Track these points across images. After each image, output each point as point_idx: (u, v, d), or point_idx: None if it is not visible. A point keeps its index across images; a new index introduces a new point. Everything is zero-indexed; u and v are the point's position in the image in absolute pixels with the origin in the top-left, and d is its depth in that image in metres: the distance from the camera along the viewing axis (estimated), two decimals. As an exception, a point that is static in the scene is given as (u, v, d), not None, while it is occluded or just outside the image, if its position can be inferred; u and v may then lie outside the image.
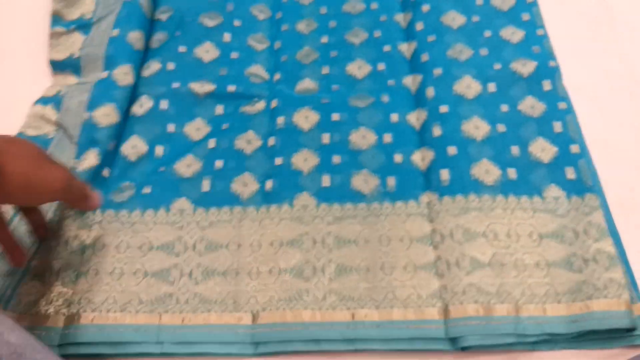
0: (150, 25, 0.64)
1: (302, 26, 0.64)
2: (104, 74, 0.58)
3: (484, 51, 0.58)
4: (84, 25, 0.63)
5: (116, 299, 0.45)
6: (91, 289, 0.46)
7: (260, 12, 0.65)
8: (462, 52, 0.58)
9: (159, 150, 0.55)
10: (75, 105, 0.57)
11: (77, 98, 0.57)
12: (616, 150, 0.53)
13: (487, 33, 0.60)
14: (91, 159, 0.52)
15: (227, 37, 0.63)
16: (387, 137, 0.54)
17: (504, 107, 0.54)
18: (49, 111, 0.57)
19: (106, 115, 0.54)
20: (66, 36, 0.63)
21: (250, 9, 0.65)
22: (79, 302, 0.45)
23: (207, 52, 0.61)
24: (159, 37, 0.63)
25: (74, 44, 0.62)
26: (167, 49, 0.62)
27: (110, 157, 0.54)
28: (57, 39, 0.63)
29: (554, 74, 0.55)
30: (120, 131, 0.55)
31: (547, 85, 0.54)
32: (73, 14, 0.64)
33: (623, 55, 0.60)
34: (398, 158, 0.53)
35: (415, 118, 0.55)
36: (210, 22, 0.64)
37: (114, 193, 0.52)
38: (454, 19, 0.61)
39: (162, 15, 0.65)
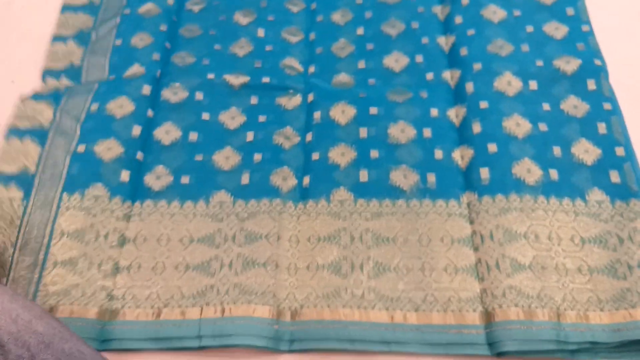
0: (173, 17, 0.63)
1: (337, 17, 0.63)
2: (112, 77, 0.58)
3: (525, 47, 0.57)
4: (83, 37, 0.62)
5: (159, 294, 0.45)
6: (134, 284, 0.46)
7: (294, 6, 0.64)
8: (502, 47, 0.57)
9: (193, 136, 0.55)
10: (80, 98, 0.56)
11: (83, 94, 0.57)
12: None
13: (529, 28, 0.58)
14: (114, 147, 0.52)
15: (260, 32, 0.62)
16: (427, 132, 0.53)
17: (546, 106, 0.53)
18: (44, 106, 0.56)
19: (120, 106, 0.55)
20: (65, 47, 0.62)
21: (284, 3, 0.64)
22: (123, 297, 0.45)
23: (241, 47, 0.61)
24: (190, 28, 0.62)
25: (73, 54, 0.61)
26: (202, 44, 0.61)
27: (142, 141, 0.54)
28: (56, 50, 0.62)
29: (599, 73, 0.54)
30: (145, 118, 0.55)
31: (591, 85, 0.53)
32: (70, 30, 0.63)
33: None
34: (438, 154, 0.52)
35: (454, 114, 0.54)
36: (244, 19, 0.63)
37: (150, 176, 0.52)
38: (495, 12, 0.60)
39: (195, 7, 0.64)
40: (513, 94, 0.54)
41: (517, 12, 0.60)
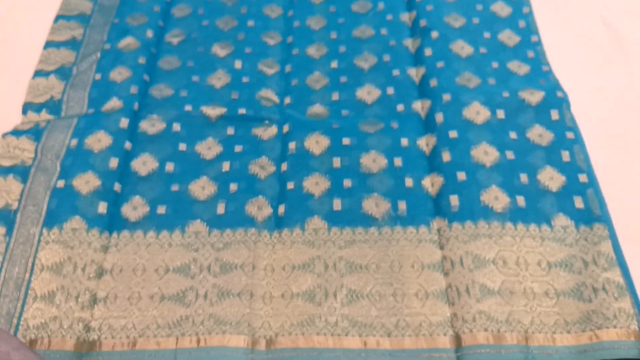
0: (152, 50, 0.65)
1: (312, 50, 0.65)
2: (90, 110, 0.59)
3: (491, 80, 0.59)
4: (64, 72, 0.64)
5: (135, 325, 0.46)
6: (111, 314, 0.46)
7: (271, 39, 0.66)
8: (470, 80, 0.59)
9: (170, 166, 0.56)
10: (60, 134, 0.57)
11: (62, 129, 0.57)
12: (625, 179, 0.53)
13: (495, 64, 0.61)
14: (91, 180, 0.53)
15: (238, 64, 0.64)
16: (398, 161, 0.55)
17: (513, 134, 0.55)
18: (25, 142, 0.57)
19: (98, 140, 0.56)
20: (46, 82, 0.63)
21: (261, 36, 0.66)
22: (99, 329, 0.46)
23: (219, 79, 0.62)
24: (169, 60, 0.64)
25: (53, 88, 0.62)
26: (180, 76, 0.63)
27: (119, 173, 0.54)
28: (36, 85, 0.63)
29: (561, 104, 0.56)
30: (123, 150, 0.56)
31: (554, 115, 0.55)
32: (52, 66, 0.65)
33: (633, 82, 0.61)
34: (409, 182, 0.53)
35: (425, 143, 0.56)
36: (221, 51, 0.65)
37: (127, 207, 0.53)
38: (463, 48, 0.62)
39: (174, 39, 0.66)
40: (481, 122, 0.56)
41: (483, 50, 0.62)
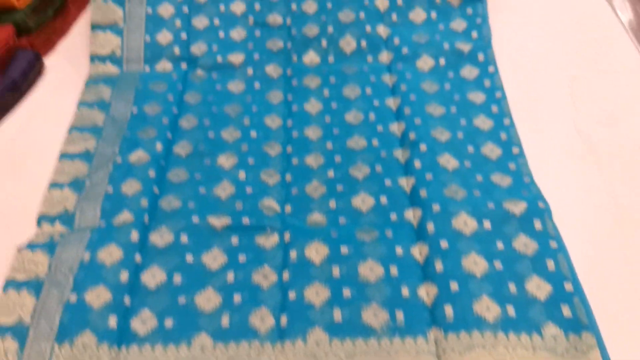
0: (161, 162, 0.69)
1: (310, 160, 0.70)
2: (102, 223, 0.62)
3: (477, 192, 0.64)
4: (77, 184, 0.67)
5: None
6: None
7: (272, 149, 0.71)
8: (457, 192, 0.63)
9: (177, 278, 0.58)
10: (73, 248, 0.60)
11: (75, 243, 0.60)
12: (608, 285, 0.56)
13: (479, 177, 0.65)
14: (103, 294, 0.55)
15: (242, 175, 0.68)
16: (393, 270, 0.58)
17: (500, 244, 0.58)
18: (40, 256, 0.59)
19: (110, 254, 0.59)
20: (60, 193, 0.66)
21: (263, 146, 0.71)
22: None
23: (224, 190, 0.66)
24: (178, 173, 0.68)
25: (67, 200, 0.66)
26: (188, 188, 0.67)
27: (129, 286, 0.57)
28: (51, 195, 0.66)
29: (543, 214, 0.60)
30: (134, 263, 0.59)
31: (537, 225, 0.59)
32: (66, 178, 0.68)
33: (606, 187, 0.66)
34: (405, 292, 0.56)
35: (418, 252, 0.60)
36: (226, 163, 0.70)
37: (136, 321, 0.55)
38: (449, 161, 0.67)
39: (182, 151, 0.71)
40: (470, 233, 0.59)
41: (467, 163, 0.67)
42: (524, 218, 0.60)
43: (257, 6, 0.85)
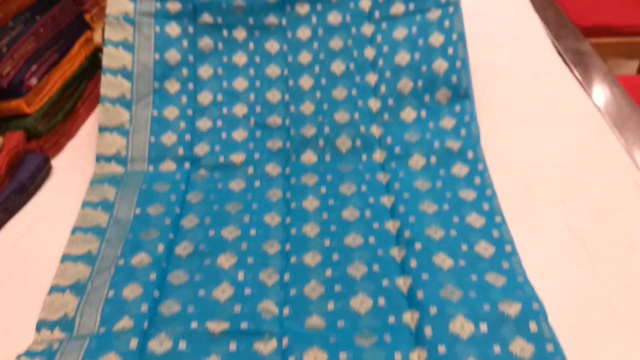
0: (163, 264, 0.70)
1: (308, 259, 0.71)
2: (102, 329, 0.63)
3: (472, 293, 0.65)
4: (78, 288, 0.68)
5: None
6: None
7: (271, 247, 0.73)
8: (453, 293, 0.64)
9: None
10: (72, 356, 0.60)
11: (74, 352, 0.60)
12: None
13: (474, 277, 0.67)
14: None
15: (241, 275, 0.69)
16: (393, 377, 0.58)
17: (497, 348, 0.59)
18: None
19: None
20: (61, 297, 0.67)
21: (262, 245, 0.73)
22: None
23: (223, 292, 0.68)
24: (178, 275, 0.70)
25: (68, 305, 0.67)
26: (188, 290, 0.68)
27: None
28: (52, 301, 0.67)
29: (538, 315, 0.61)
30: None
31: (533, 327, 0.60)
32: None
33: (598, 282, 0.67)
34: None
35: (417, 357, 0.60)
36: (226, 263, 0.71)
37: None
38: (444, 260, 0.69)
39: (183, 252, 0.73)
40: (467, 337, 0.60)
41: (462, 262, 0.69)
42: (520, 320, 0.61)
43: (258, 108, 0.90)
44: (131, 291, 0.67)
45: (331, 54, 0.91)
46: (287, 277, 0.70)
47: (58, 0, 0.91)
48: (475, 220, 0.74)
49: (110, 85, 0.89)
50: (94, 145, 0.88)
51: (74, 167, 0.87)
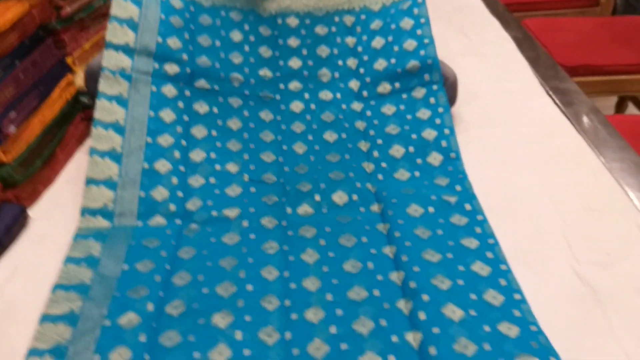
0: (153, 324, 0.65)
1: (310, 315, 0.67)
2: None
3: (487, 346, 0.61)
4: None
5: None
6: None
7: (270, 304, 0.69)
8: (467, 346, 0.61)
9: None
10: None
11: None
12: None
13: (487, 327, 0.63)
14: None
15: (238, 335, 0.64)
16: None
17: None
18: None
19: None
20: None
21: (260, 302, 0.69)
22: None
23: (220, 353, 0.62)
24: (170, 336, 0.64)
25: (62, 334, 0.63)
26: (181, 353, 0.62)
27: None
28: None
29: None
30: None
31: None
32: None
33: (613, 336, 0.64)
34: None
35: None
36: (222, 322, 0.66)
37: None
38: (454, 312, 0.65)
39: (174, 311, 0.67)
40: None
41: (472, 312, 0.65)
42: None
43: (252, 167, 0.89)
44: (119, 355, 0.61)
45: (323, 125, 0.95)
46: (288, 335, 0.65)
47: (39, 44, 0.87)
48: (481, 268, 0.72)
49: (100, 138, 0.85)
50: (74, 193, 0.83)
51: (52, 217, 0.81)
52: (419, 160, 0.90)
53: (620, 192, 0.85)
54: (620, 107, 1.74)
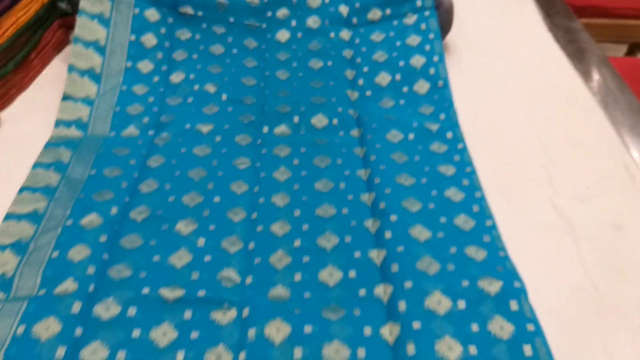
0: (115, 227, 0.65)
1: (276, 228, 0.66)
2: (42, 291, 0.57)
3: (451, 266, 0.60)
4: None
5: None
6: None
7: (236, 215, 0.67)
8: (430, 265, 0.60)
9: (121, 355, 0.52)
10: (7, 320, 0.54)
11: (10, 315, 0.54)
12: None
13: (453, 249, 0.62)
14: None
15: (201, 241, 0.64)
16: (361, 352, 0.53)
17: (475, 327, 0.54)
18: None
19: (46, 328, 0.53)
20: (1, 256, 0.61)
21: (227, 213, 0.67)
22: None
23: (180, 258, 0.62)
24: (131, 239, 0.64)
25: (7, 264, 0.60)
26: (141, 255, 0.62)
27: None
28: None
29: (519, 294, 0.57)
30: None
31: (514, 306, 0.56)
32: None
33: (583, 265, 0.63)
34: None
35: (388, 332, 0.55)
36: (185, 229, 0.65)
37: None
38: (421, 232, 0.64)
39: (138, 216, 0.66)
40: (443, 313, 0.55)
41: (440, 234, 0.64)
42: (500, 298, 0.56)
43: (231, 88, 0.87)
44: (78, 252, 0.61)
45: (309, 53, 0.92)
46: (251, 245, 0.64)
47: (17, -58, 0.83)
48: (455, 194, 0.70)
49: (80, 56, 0.84)
50: (47, 100, 0.81)
51: (24, 121, 0.79)
52: (405, 89, 0.87)
53: (611, 131, 0.82)
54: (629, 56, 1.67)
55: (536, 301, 0.57)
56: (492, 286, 0.58)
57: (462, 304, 0.56)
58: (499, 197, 0.71)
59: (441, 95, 0.85)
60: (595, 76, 0.92)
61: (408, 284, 0.58)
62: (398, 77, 0.88)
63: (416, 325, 0.54)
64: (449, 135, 0.79)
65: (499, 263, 0.61)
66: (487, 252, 0.62)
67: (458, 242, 0.64)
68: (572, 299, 0.60)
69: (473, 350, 0.52)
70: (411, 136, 0.79)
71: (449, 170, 0.74)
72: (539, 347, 0.53)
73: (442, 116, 0.83)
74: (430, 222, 0.66)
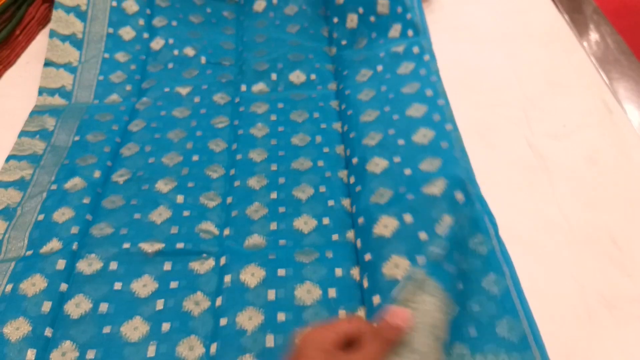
0: (98, 189, 0.67)
1: (253, 182, 0.68)
2: (29, 252, 0.60)
3: (402, 188, 0.60)
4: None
5: None
6: None
7: (214, 172, 0.69)
8: (383, 195, 0.60)
9: (103, 307, 0.55)
10: None
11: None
12: (556, 305, 0.54)
13: (407, 171, 0.62)
14: (22, 326, 0.53)
15: (180, 198, 0.66)
16: (332, 292, 0.55)
17: (423, 235, 0.53)
18: None
19: (33, 284, 0.56)
20: None
21: (205, 170, 0.69)
22: None
23: (160, 214, 0.64)
24: (113, 200, 0.66)
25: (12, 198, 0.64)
26: (122, 214, 0.64)
27: (51, 317, 0.54)
28: None
29: (464, 183, 0.57)
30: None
31: (459, 196, 0.56)
32: None
33: (556, 201, 0.64)
34: (342, 314, 0.53)
35: (357, 273, 0.57)
36: (165, 187, 0.67)
37: (56, 354, 0.51)
38: (377, 164, 0.64)
39: (120, 179, 0.69)
40: (390, 235, 0.55)
41: (396, 159, 0.64)
42: (446, 196, 0.56)
43: (210, 51, 0.88)
44: (62, 214, 0.63)
45: (286, 18, 0.92)
46: (229, 200, 0.66)
47: None
48: (416, 110, 0.69)
49: (61, 21, 0.86)
50: (34, 74, 0.83)
51: (11, 96, 0.81)
52: (372, 18, 0.85)
53: (592, 69, 0.81)
54: None
55: (510, 235, 0.57)
56: (436, 187, 0.57)
57: (408, 219, 0.56)
58: (477, 140, 0.71)
59: (415, 31, 0.82)
60: (580, 16, 0.91)
61: (360, 220, 0.60)
62: (372, 19, 0.85)
63: (367, 257, 0.56)
64: (416, 50, 0.79)
65: (453, 163, 0.60)
66: (442, 159, 0.61)
67: (415, 161, 0.62)
68: (544, 232, 0.61)
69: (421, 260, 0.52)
70: (379, 68, 0.79)
71: (413, 88, 0.73)
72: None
73: (410, 32, 0.82)
74: (387, 150, 0.65)
